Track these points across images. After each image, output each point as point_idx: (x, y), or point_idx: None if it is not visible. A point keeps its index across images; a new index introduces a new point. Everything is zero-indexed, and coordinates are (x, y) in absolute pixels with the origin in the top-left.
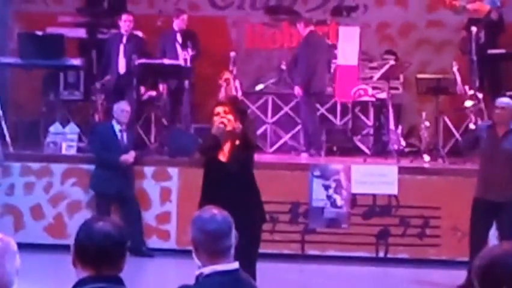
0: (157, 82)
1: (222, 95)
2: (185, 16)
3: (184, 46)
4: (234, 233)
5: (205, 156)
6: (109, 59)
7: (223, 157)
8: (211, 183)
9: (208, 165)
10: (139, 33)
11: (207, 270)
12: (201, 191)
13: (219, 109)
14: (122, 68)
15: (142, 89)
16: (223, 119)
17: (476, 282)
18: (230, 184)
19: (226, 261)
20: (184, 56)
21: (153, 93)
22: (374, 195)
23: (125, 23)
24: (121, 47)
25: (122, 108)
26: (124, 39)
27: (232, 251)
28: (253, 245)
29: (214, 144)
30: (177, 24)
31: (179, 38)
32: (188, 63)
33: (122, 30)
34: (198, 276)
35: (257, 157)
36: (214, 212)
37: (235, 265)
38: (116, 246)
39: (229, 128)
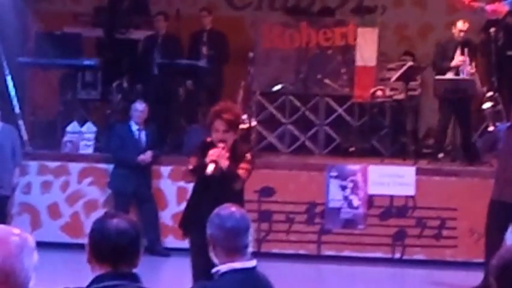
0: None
1: (240, 96)
2: (204, 13)
3: (207, 46)
4: (251, 231)
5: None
6: (143, 60)
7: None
8: (197, 195)
9: (198, 179)
10: None
11: (224, 267)
12: (188, 199)
13: (219, 126)
14: (156, 68)
15: (181, 90)
16: (213, 160)
17: (493, 281)
18: (215, 199)
19: (243, 259)
20: (207, 56)
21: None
22: (391, 196)
23: (159, 23)
24: (156, 48)
25: (136, 108)
26: (160, 40)
27: (250, 249)
28: None
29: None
30: (202, 22)
31: (205, 37)
32: (207, 63)
33: (158, 31)
34: (214, 274)
35: (274, 158)
36: (233, 209)
37: (253, 263)
38: (131, 243)
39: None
